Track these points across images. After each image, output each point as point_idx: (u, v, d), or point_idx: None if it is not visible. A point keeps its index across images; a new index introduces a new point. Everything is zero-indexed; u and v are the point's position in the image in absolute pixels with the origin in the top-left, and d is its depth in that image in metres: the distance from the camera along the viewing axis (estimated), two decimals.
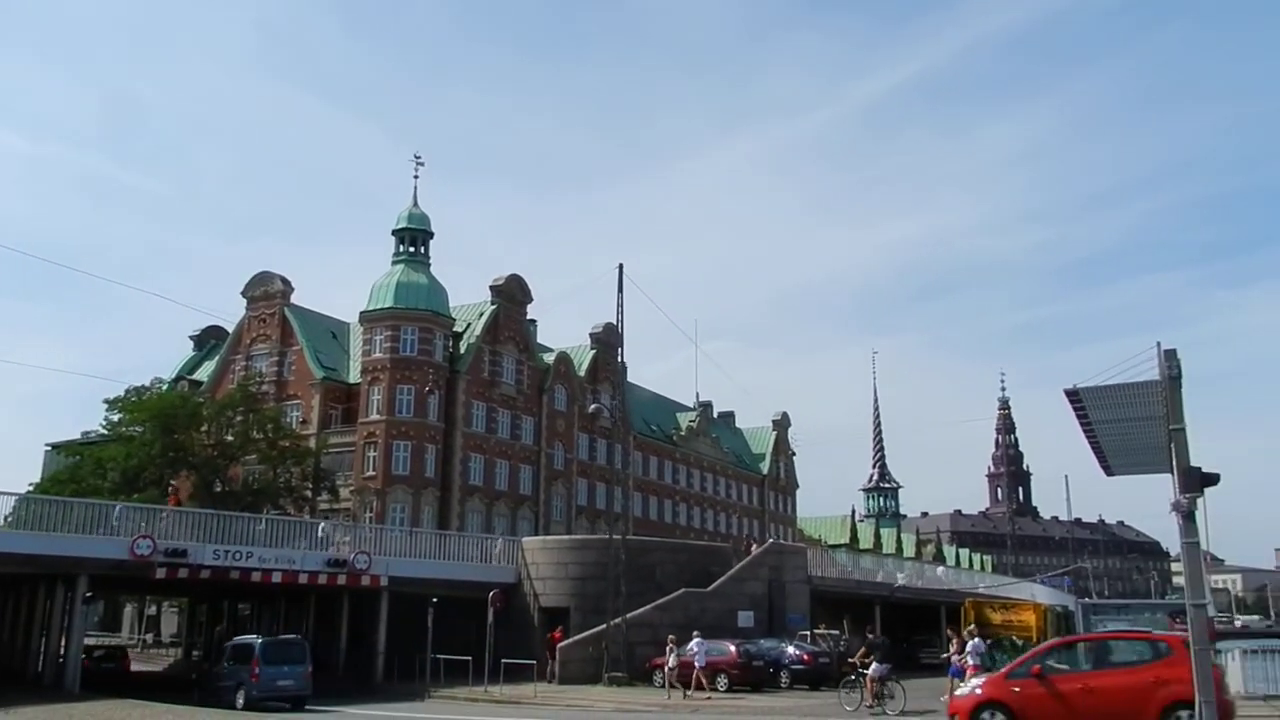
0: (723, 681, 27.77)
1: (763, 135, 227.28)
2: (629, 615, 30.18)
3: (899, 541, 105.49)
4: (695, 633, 27.53)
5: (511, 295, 53.97)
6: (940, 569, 65.43)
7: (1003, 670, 15.72)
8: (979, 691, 14.96)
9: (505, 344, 53.05)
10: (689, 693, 25.84)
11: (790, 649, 29.94)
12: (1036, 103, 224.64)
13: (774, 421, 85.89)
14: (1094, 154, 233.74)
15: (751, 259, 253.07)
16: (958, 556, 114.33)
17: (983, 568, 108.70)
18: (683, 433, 70.98)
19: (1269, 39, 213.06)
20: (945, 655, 24.85)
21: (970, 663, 22.57)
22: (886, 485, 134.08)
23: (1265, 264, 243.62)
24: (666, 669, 27.14)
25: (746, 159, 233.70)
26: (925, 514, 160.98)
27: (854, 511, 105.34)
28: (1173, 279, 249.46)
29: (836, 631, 34.75)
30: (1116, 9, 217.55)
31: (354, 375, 51.44)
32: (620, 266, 33.20)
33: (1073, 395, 12.78)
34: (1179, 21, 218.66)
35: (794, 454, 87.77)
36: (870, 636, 24.29)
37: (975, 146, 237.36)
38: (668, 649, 27.40)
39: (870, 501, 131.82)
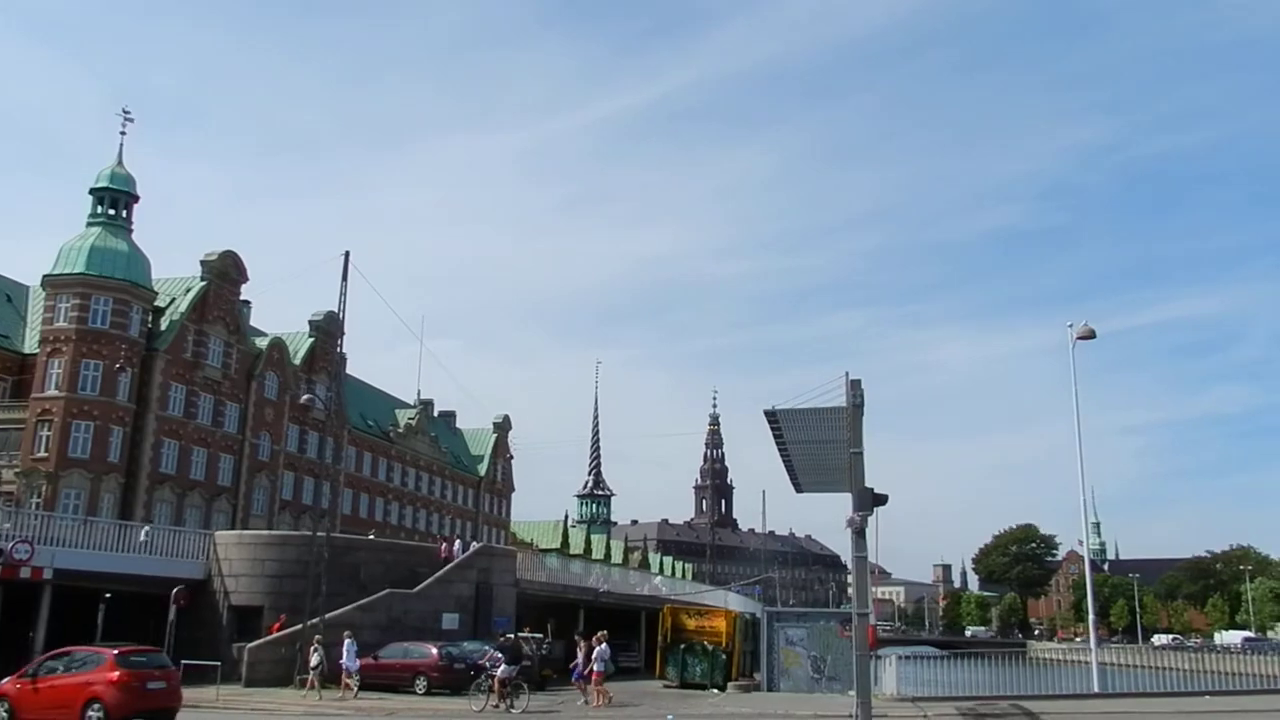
0: (422, 684, 27.39)
1: (514, 133, 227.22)
2: (328, 615, 29.00)
3: (608, 547, 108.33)
4: (346, 632, 26.96)
5: (225, 272, 50.42)
6: (652, 576, 67.96)
7: (17, 672, 19.92)
8: None
9: (214, 324, 49.46)
10: (324, 694, 25.44)
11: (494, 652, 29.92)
12: (772, 134, 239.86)
13: (495, 424, 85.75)
14: (831, 190, 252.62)
15: (487, 259, 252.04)
16: (662, 564, 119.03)
17: (684, 575, 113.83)
18: (401, 430, 69.25)
19: (967, 100, 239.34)
20: (573, 663, 26.42)
21: (596, 668, 23.86)
22: (600, 493, 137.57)
23: (941, 309, 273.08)
24: (311, 668, 26.34)
25: (493, 155, 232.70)
26: (635, 522, 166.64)
27: (567, 517, 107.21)
28: (866, 314, 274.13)
29: (540, 635, 35.15)
30: (827, 67, 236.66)
31: (30, 344, 46.06)
32: (346, 254, 31.96)
33: (770, 416, 13.71)
34: (887, 79, 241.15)
35: (512, 457, 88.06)
36: (502, 639, 25.21)
37: (713, 171, 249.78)
38: (311, 649, 26.63)
39: (584, 507, 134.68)
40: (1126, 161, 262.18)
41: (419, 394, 77.07)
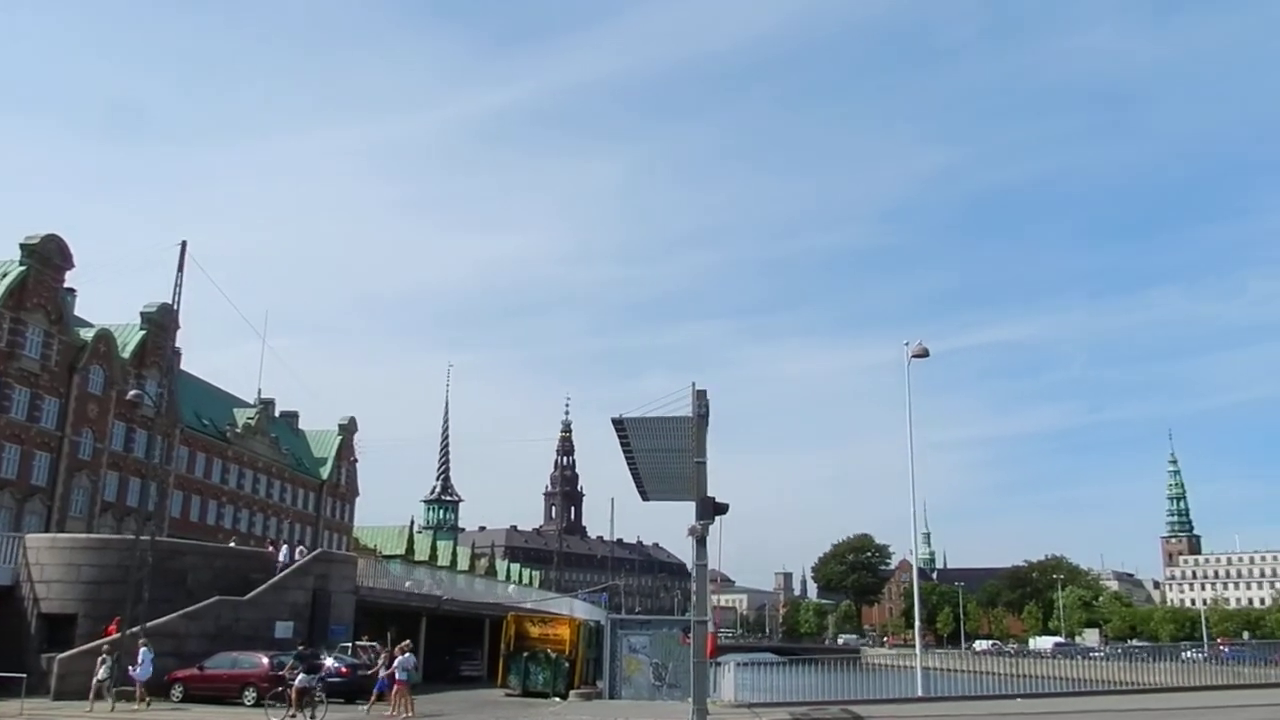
0: (250, 695, 26.23)
1: (361, 130, 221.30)
2: (151, 624, 27.43)
3: (455, 554, 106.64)
4: (141, 640, 25.66)
5: (47, 257, 47.08)
6: (498, 584, 67.21)
7: None
8: None
9: (33, 312, 46.10)
10: (117, 706, 24.17)
11: (329, 661, 28.99)
12: (619, 147, 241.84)
13: (340, 425, 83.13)
14: (678, 203, 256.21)
15: (334, 257, 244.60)
16: (509, 571, 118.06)
17: (531, 582, 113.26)
18: (239, 430, 66.24)
19: (812, 123, 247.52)
20: (371, 670, 26.12)
21: (399, 677, 23.74)
22: (448, 498, 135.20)
23: (787, 324, 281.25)
24: (95, 680, 24.87)
25: (339, 152, 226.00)
26: (484, 528, 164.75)
27: (413, 522, 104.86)
28: (715, 326, 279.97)
29: (376, 644, 34.27)
30: (712, 76, 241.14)
31: None
32: (183, 244, 30.31)
33: (618, 424, 13.81)
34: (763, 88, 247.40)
35: (357, 460, 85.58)
36: (301, 649, 24.82)
37: (559, 179, 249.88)
38: (99, 660, 25.23)
39: (431, 513, 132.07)
40: (963, 191, 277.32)
41: (259, 393, 73.92)
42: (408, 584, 48.46)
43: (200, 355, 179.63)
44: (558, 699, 29.47)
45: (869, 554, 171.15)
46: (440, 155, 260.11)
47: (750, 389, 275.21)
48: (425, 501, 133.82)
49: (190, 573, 31.71)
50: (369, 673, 28.39)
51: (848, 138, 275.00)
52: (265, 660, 27.12)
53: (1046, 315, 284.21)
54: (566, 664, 31.36)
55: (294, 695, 21.74)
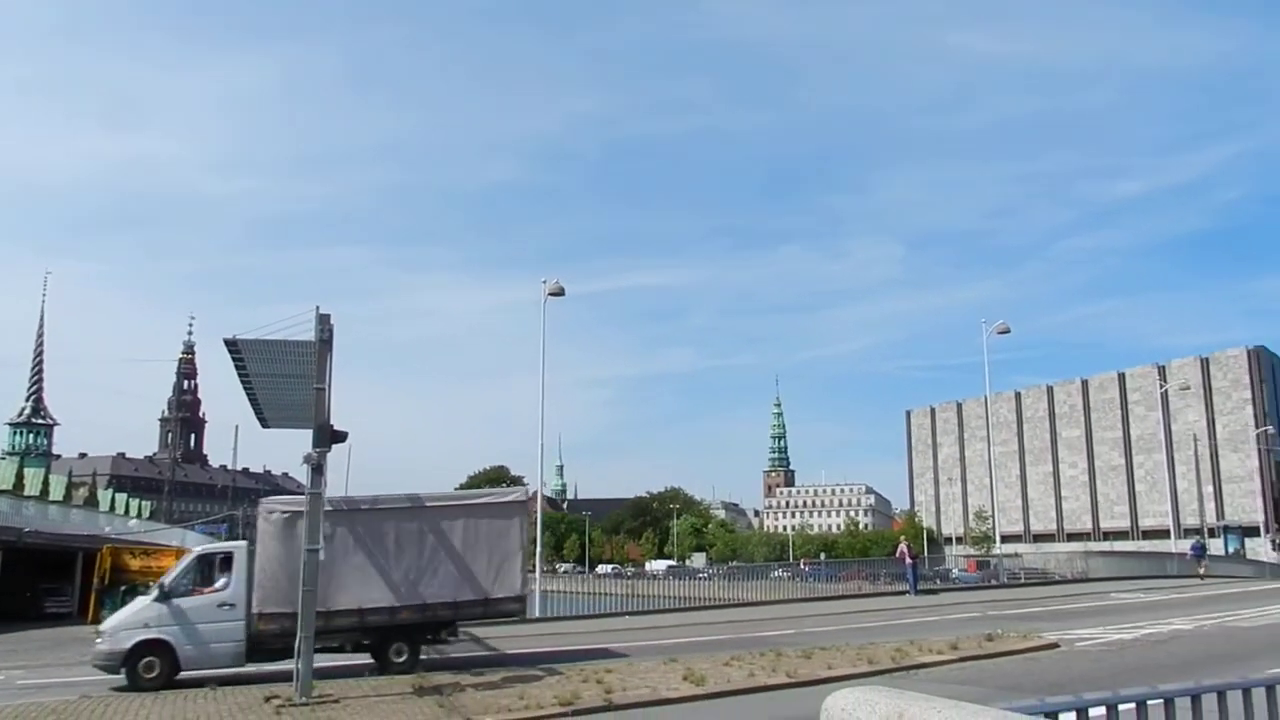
0: None
1: None
2: None
3: (47, 482, 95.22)
4: None
5: None
6: (99, 514, 60.98)
7: None
8: None
9: None
10: None
11: None
12: (286, 48, 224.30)
13: None
14: (310, 118, 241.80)
15: None
16: (113, 501, 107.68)
17: (140, 514, 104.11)
18: None
19: (481, 50, 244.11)
20: None
21: None
22: (40, 421, 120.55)
23: (439, 257, 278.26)
24: None
25: None
26: (85, 455, 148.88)
27: None
28: (359, 254, 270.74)
29: None
30: None
31: None
32: None
33: (231, 345, 13.04)
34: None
35: None
36: None
37: (216, 75, 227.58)
38: None
39: (18, 437, 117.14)
40: (611, 138, 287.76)
41: None
42: None
43: None
44: None
45: (505, 485, 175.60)
46: (58, 31, 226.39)
47: (397, 323, 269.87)
48: (11, 424, 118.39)
49: None
50: None
51: (500, 72, 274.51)
52: None
53: (685, 264, 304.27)
54: None
55: None
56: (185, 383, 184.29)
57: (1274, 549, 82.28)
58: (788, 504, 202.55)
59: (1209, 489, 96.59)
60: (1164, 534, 78.16)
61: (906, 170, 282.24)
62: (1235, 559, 66.11)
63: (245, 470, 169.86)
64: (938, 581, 43.49)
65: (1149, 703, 4.01)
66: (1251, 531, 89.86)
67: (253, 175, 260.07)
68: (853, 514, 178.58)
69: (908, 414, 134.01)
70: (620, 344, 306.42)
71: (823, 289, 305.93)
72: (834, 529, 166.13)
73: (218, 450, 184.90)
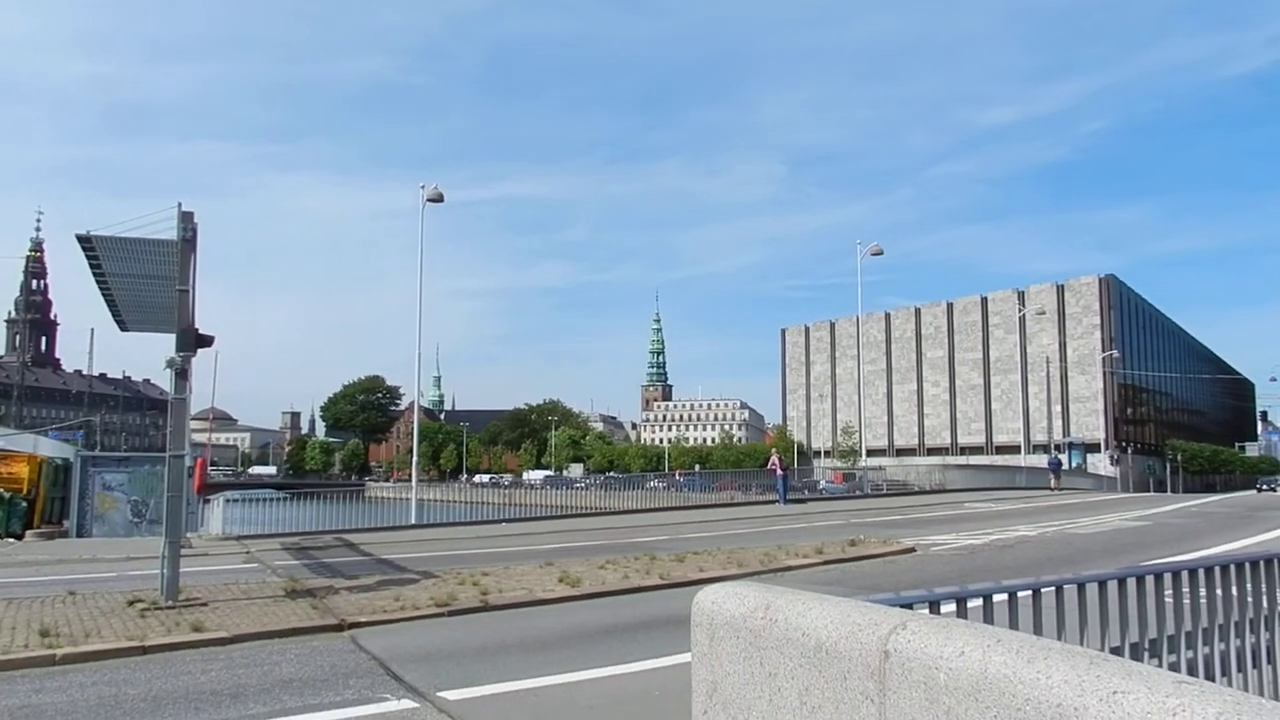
0: None
1: None
2: None
3: None
4: None
5: None
6: None
7: None
8: None
9: None
10: None
11: None
12: None
13: None
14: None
15: None
16: None
17: None
18: None
19: None
20: None
21: None
22: None
23: (307, 156, 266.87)
24: None
25: None
26: None
27: None
28: (224, 151, 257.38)
29: None
30: None
31: None
32: None
33: (85, 242, 12.32)
34: None
35: None
36: None
37: None
38: None
39: None
40: (489, 39, 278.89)
41: None
42: None
43: None
44: (12, 539, 26.50)
45: (380, 395, 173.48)
46: None
47: (267, 225, 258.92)
48: None
49: None
50: None
51: None
52: None
53: (564, 176, 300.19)
54: (24, 504, 28.21)
55: None
56: (34, 282, 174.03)
57: (1112, 464, 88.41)
58: (665, 418, 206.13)
59: (1058, 408, 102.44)
60: (1015, 449, 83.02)
61: (786, 88, 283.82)
62: (1079, 473, 70.80)
63: (103, 376, 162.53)
64: (806, 492, 45.23)
65: (994, 596, 4.30)
66: (1093, 448, 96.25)
67: (110, 59, 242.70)
68: (728, 428, 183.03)
69: (783, 332, 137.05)
70: (500, 254, 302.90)
71: (698, 205, 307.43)
72: (709, 442, 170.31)
73: (72, 355, 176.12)
